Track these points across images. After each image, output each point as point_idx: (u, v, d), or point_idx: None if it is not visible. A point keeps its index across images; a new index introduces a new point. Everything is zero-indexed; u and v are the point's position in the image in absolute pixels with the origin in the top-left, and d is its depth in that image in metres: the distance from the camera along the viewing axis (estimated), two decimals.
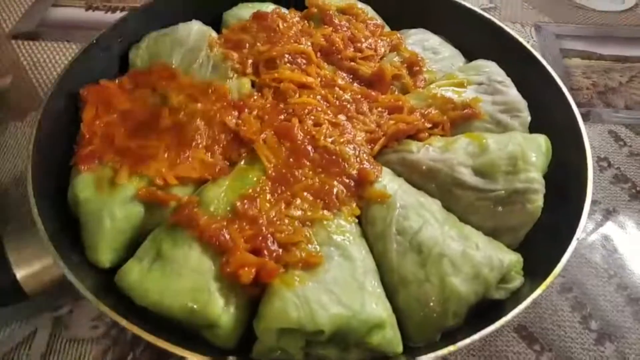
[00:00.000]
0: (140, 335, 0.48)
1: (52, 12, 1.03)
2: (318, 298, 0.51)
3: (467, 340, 0.49)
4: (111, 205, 0.58)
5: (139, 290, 0.53)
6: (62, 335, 0.62)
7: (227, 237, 0.54)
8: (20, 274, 0.55)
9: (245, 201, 0.57)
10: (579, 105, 0.71)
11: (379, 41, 0.80)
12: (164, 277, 0.53)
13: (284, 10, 0.82)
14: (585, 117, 0.89)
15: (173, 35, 0.78)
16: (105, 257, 0.57)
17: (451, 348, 0.49)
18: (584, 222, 0.58)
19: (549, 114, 0.73)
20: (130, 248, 0.58)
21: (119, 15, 1.00)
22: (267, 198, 0.58)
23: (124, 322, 0.49)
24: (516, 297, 0.57)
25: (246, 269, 0.53)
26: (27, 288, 0.55)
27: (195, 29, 0.79)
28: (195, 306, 0.51)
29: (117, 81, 0.71)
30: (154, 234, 0.57)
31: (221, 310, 0.52)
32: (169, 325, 0.53)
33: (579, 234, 0.57)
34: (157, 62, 0.74)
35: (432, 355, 0.49)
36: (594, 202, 0.78)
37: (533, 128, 0.73)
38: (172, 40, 0.78)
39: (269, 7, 0.82)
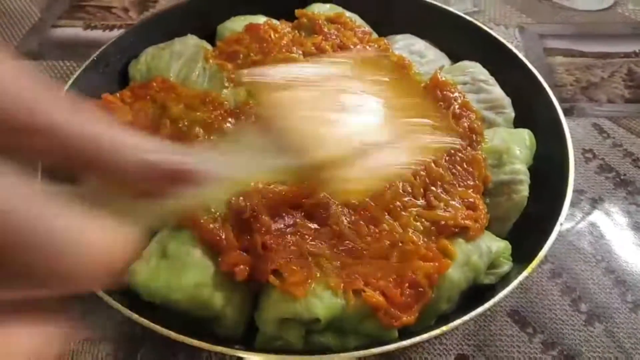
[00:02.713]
0: (148, 327, 0.51)
1: (52, 32, 1.06)
2: (312, 289, 0.54)
3: (459, 321, 0.52)
4: None
5: (147, 287, 0.55)
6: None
7: (222, 236, 0.57)
8: None
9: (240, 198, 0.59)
10: (563, 100, 0.74)
11: (367, 47, 0.84)
12: (170, 273, 0.56)
13: (275, 21, 0.85)
14: (569, 111, 0.93)
15: (170, 49, 0.82)
16: None
17: (444, 328, 0.52)
18: (567, 207, 0.61)
19: (532, 110, 0.77)
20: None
21: (116, 33, 1.03)
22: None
23: (134, 316, 0.52)
24: (505, 281, 0.60)
25: (240, 267, 0.56)
26: None
27: (191, 43, 0.83)
28: (200, 299, 0.54)
29: (118, 95, 0.75)
30: (159, 235, 0.60)
31: (225, 302, 0.55)
32: (175, 323, 0.55)
33: (562, 218, 0.60)
34: (156, 75, 0.78)
35: (426, 335, 0.52)
36: (580, 192, 0.81)
37: (517, 124, 0.76)
38: (169, 54, 0.81)
39: (261, 19, 0.86)
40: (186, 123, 0.69)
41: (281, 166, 0.42)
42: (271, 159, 0.41)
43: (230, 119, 0.70)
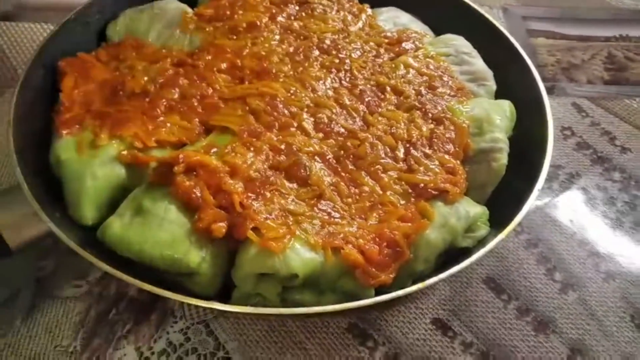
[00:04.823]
0: (126, 280, 0.50)
1: None
2: (292, 244, 0.54)
3: (435, 278, 0.53)
4: (92, 166, 0.60)
5: (121, 243, 0.54)
6: (46, 294, 0.63)
7: (198, 194, 0.56)
8: (4, 228, 0.56)
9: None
10: (544, 80, 0.75)
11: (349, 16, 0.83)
12: (145, 229, 0.55)
13: None
14: (550, 90, 0.94)
15: (150, 11, 0.80)
16: (88, 214, 0.58)
17: (420, 285, 0.52)
18: (544, 175, 0.62)
19: (514, 85, 0.77)
20: (112, 207, 0.59)
21: None
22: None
23: (108, 268, 0.51)
24: (482, 245, 0.60)
25: (218, 224, 0.55)
26: (12, 243, 0.56)
27: (171, 6, 0.81)
28: (175, 255, 0.53)
29: (93, 54, 0.73)
30: (135, 192, 0.59)
31: (200, 259, 0.54)
32: (150, 278, 0.54)
33: (540, 185, 0.61)
34: (129, 36, 0.76)
35: (402, 292, 0.52)
36: (558, 167, 0.82)
37: (500, 98, 0.76)
38: (148, 16, 0.80)
39: None
40: (145, 78, 0.68)
41: None
42: None
43: (180, 69, 0.70)
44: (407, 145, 0.64)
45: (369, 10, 0.85)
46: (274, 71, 0.70)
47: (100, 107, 0.65)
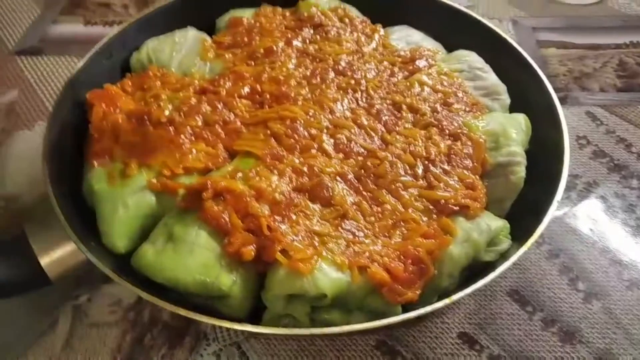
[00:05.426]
0: (161, 306, 0.52)
1: (52, 28, 1.07)
2: (320, 265, 0.55)
3: (461, 293, 0.54)
4: (123, 195, 0.62)
5: (154, 269, 0.56)
6: (83, 321, 0.66)
7: (227, 219, 0.58)
8: (44, 260, 0.58)
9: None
10: (556, 90, 0.76)
11: (362, 37, 0.85)
12: (177, 255, 0.57)
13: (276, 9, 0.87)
14: (563, 100, 0.94)
15: (170, 41, 0.83)
16: (120, 242, 0.61)
17: (447, 301, 0.53)
18: (563, 186, 0.63)
19: (527, 98, 0.78)
20: (143, 235, 0.62)
21: (116, 28, 1.04)
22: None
23: (144, 294, 0.53)
24: (505, 259, 0.61)
25: (248, 247, 0.57)
26: (51, 274, 0.59)
27: (190, 35, 0.84)
28: (207, 279, 0.55)
29: (118, 85, 0.76)
30: (165, 219, 0.61)
31: (231, 282, 0.56)
32: (182, 303, 0.56)
33: (559, 196, 0.62)
34: (152, 66, 0.79)
35: (429, 308, 0.53)
36: (575, 176, 0.83)
37: (514, 112, 0.78)
38: (169, 46, 0.83)
39: (247, 12, 0.88)
40: (170, 107, 0.70)
41: None
42: None
43: (203, 97, 0.72)
44: (426, 162, 0.66)
45: (382, 30, 0.87)
46: (292, 95, 0.73)
47: (128, 137, 0.68)
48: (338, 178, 0.64)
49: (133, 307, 0.67)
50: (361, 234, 0.59)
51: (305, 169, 0.64)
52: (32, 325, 0.65)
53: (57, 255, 0.59)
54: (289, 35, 0.83)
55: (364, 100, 0.74)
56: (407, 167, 0.66)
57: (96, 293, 0.68)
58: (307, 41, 0.83)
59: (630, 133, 0.89)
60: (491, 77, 0.80)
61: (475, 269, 0.61)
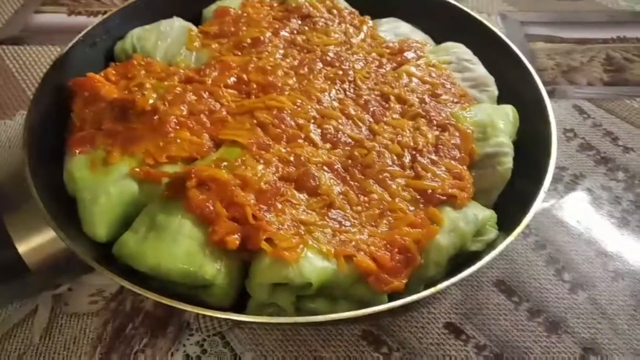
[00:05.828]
0: (143, 295, 0.51)
1: (35, 18, 1.06)
2: (305, 254, 0.54)
3: (447, 282, 0.53)
4: (105, 183, 0.61)
5: (136, 257, 0.55)
6: (63, 311, 0.64)
7: (211, 207, 0.57)
8: (22, 248, 0.57)
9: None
10: (544, 83, 0.76)
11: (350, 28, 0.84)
12: (160, 243, 0.56)
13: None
14: (550, 93, 0.94)
15: (156, 30, 0.82)
16: (102, 231, 0.59)
17: (432, 290, 0.53)
18: (550, 177, 0.63)
19: (516, 90, 0.78)
20: (125, 223, 0.61)
21: (101, 18, 1.03)
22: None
23: (125, 283, 0.52)
24: (492, 248, 0.61)
25: (232, 236, 0.56)
26: (30, 262, 0.57)
27: (176, 24, 0.83)
28: (191, 268, 0.54)
29: (102, 74, 0.75)
30: (148, 207, 0.60)
31: (215, 271, 0.55)
32: (165, 292, 0.55)
33: (546, 187, 0.62)
34: (137, 55, 0.78)
35: (416, 297, 0.52)
36: (562, 169, 0.83)
37: (502, 104, 0.77)
38: (155, 35, 0.81)
39: (235, 3, 0.87)
40: (154, 96, 0.69)
41: None
42: None
43: (188, 86, 0.71)
44: (414, 152, 0.66)
45: (370, 22, 0.87)
46: (279, 85, 0.72)
47: (111, 126, 0.66)
48: (325, 168, 0.63)
49: (115, 297, 0.65)
50: (348, 223, 0.59)
51: (291, 158, 0.63)
52: (9, 314, 0.64)
53: (35, 242, 0.58)
54: (277, 26, 0.82)
55: (351, 90, 0.74)
56: (395, 157, 0.65)
57: (77, 282, 0.67)
58: (295, 32, 0.83)
59: (617, 126, 0.90)
60: (479, 69, 0.80)
61: (462, 258, 0.61)
